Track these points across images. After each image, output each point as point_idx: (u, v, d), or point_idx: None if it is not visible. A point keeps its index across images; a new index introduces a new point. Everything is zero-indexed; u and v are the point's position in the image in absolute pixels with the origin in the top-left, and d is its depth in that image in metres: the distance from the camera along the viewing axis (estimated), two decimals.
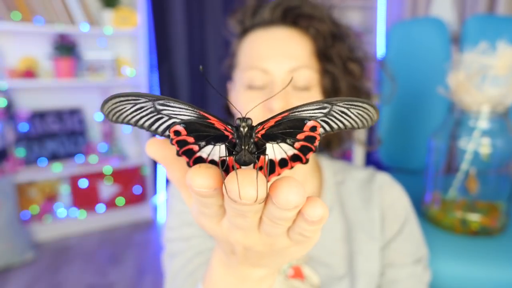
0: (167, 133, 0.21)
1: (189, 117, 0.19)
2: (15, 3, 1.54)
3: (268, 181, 0.18)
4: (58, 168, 1.69)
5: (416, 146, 1.00)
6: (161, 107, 0.19)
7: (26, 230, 1.61)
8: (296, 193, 0.16)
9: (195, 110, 0.19)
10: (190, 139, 0.20)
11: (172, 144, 0.20)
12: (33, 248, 1.58)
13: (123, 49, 1.90)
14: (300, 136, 0.20)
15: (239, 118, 0.18)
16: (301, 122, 0.19)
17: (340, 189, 0.52)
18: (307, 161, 0.21)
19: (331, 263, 0.47)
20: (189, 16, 1.90)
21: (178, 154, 0.20)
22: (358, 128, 0.21)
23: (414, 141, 1.00)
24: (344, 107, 0.20)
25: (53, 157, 1.75)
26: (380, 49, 2.13)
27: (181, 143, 0.20)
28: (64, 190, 1.77)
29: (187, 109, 0.19)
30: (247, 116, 0.19)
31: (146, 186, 1.93)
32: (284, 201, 0.16)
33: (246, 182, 0.16)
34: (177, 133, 0.19)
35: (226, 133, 0.19)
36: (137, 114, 0.20)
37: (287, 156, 0.21)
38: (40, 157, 1.72)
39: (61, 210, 1.76)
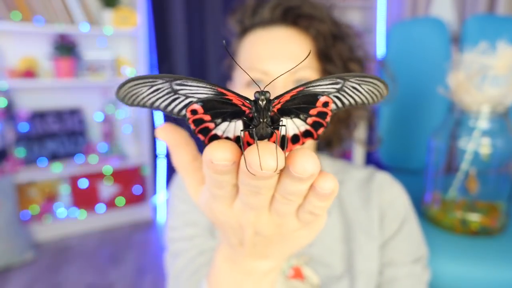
0: (183, 112, 0.21)
1: (206, 95, 0.20)
2: (15, 3, 1.54)
3: (284, 152, 0.18)
4: (58, 168, 1.69)
5: (416, 146, 1.00)
6: (178, 87, 0.20)
7: (26, 230, 1.61)
8: (312, 162, 0.17)
9: (213, 87, 0.19)
10: (207, 117, 0.20)
11: (188, 124, 0.20)
12: (33, 248, 1.58)
13: (123, 49, 1.90)
14: (313, 111, 0.20)
15: (257, 92, 0.19)
16: (314, 97, 0.20)
17: (339, 189, 0.52)
18: (318, 137, 0.22)
19: (331, 263, 0.47)
20: (189, 15, 1.90)
21: (194, 133, 0.20)
22: (368, 104, 0.22)
23: (414, 141, 1.00)
24: (356, 83, 0.21)
25: (53, 157, 1.75)
26: (380, 49, 2.13)
27: (197, 122, 0.20)
28: (64, 190, 1.77)
29: (204, 87, 0.19)
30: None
31: (146, 186, 1.93)
32: (301, 169, 0.17)
33: (266, 152, 0.17)
34: (194, 112, 0.20)
35: (244, 108, 0.20)
36: (153, 96, 0.20)
37: (299, 131, 0.22)
38: (40, 157, 1.72)
39: (61, 210, 1.76)
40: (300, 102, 0.20)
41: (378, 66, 0.64)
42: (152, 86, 0.19)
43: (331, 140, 0.56)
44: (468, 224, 0.68)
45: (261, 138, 0.20)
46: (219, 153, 0.17)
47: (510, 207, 0.72)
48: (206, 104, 0.20)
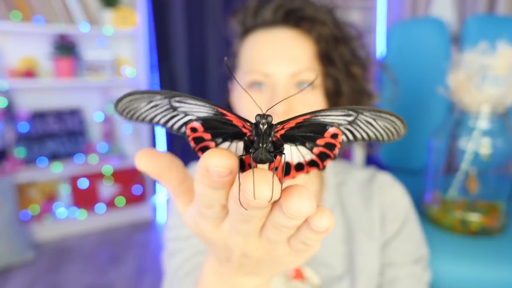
0: (183, 129, 0.20)
1: (206, 114, 0.19)
2: (15, 3, 1.54)
3: (282, 183, 0.17)
4: (58, 168, 1.69)
5: (416, 146, 1.00)
6: (177, 104, 0.19)
7: (26, 230, 1.61)
8: (308, 203, 0.16)
9: (213, 107, 0.18)
10: (207, 136, 0.19)
11: (188, 141, 0.19)
12: (33, 248, 1.58)
13: (123, 49, 1.90)
14: (320, 142, 0.19)
15: (259, 115, 0.18)
16: (323, 127, 0.19)
17: (341, 190, 0.52)
18: (324, 168, 0.20)
19: (332, 264, 0.47)
20: (189, 16, 1.90)
21: (193, 151, 0.20)
22: (383, 141, 0.21)
23: (414, 141, 1.00)
24: (371, 117, 0.19)
25: (53, 157, 1.75)
26: (380, 49, 2.13)
27: (197, 140, 0.20)
28: (64, 190, 1.77)
29: (204, 106, 0.19)
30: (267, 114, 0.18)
31: (146, 186, 1.93)
32: (294, 210, 0.16)
33: (262, 181, 0.15)
34: (193, 130, 0.19)
35: (244, 130, 0.19)
36: (152, 112, 0.19)
37: (304, 161, 0.21)
38: (40, 157, 1.72)
39: (61, 210, 1.76)
40: (306, 130, 0.19)
41: (379, 68, 0.63)
42: (150, 101, 0.19)
43: None
44: (468, 224, 0.68)
45: (261, 162, 0.19)
46: (217, 159, 0.16)
47: (510, 207, 0.72)
48: (206, 122, 0.19)
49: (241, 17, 0.52)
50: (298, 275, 0.46)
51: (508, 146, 0.65)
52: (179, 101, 0.19)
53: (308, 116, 0.18)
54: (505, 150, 0.65)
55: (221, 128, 0.19)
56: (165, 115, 0.20)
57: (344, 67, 0.49)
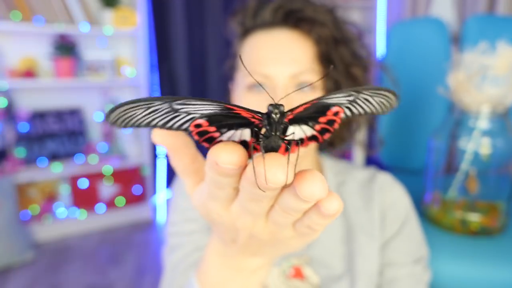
0: (184, 127, 0.20)
1: (211, 111, 0.19)
2: (15, 3, 1.54)
3: (295, 167, 0.17)
4: (58, 168, 1.69)
5: (416, 146, 1.00)
6: (179, 106, 0.18)
7: (26, 230, 1.61)
8: (321, 186, 0.16)
9: (219, 104, 0.18)
10: (212, 129, 0.19)
11: (192, 136, 0.19)
12: (33, 248, 1.58)
13: (123, 49, 1.90)
14: (322, 119, 0.20)
15: (271, 105, 0.18)
16: (327, 107, 0.20)
17: (341, 190, 0.52)
18: (323, 141, 0.22)
19: (331, 264, 0.47)
20: (189, 16, 1.90)
21: (198, 142, 0.20)
22: (377, 113, 0.22)
23: (414, 141, 1.00)
24: (369, 95, 0.20)
25: (53, 157, 1.75)
26: (380, 49, 2.13)
27: (201, 134, 0.19)
28: (64, 190, 1.77)
29: (210, 105, 0.18)
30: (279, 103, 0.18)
31: (146, 186, 1.93)
32: (308, 193, 0.16)
33: (277, 166, 0.16)
34: (197, 126, 0.19)
35: (253, 120, 0.19)
36: (150, 117, 0.19)
37: (305, 136, 0.21)
38: (40, 157, 1.72)
39: (61, 210, 1.76)
40: (311, 112, 0.20)
41: (379, 69, 0.63)
42: (148, 108, 0.18)
43: (332, 141, 0.56)
44: (468, 224, 0.68)
45: (272, 150, 0.19)
46: (226, 155, 0.17)
47: (510, 207, 0.73)
48: (211, 118, 0.19)
49: (241, 17, 0.52)
50: (298, 274, 0.46)
51: (508, 146, 0.65)
52: (181, 103, 0.18)
53: (315, 101, 0.19)
54: (505, 150, 0.65)
55: (227, 121, 0.19)
56: (164, 118, 0.19)
57: (344, 68, 0.49)
